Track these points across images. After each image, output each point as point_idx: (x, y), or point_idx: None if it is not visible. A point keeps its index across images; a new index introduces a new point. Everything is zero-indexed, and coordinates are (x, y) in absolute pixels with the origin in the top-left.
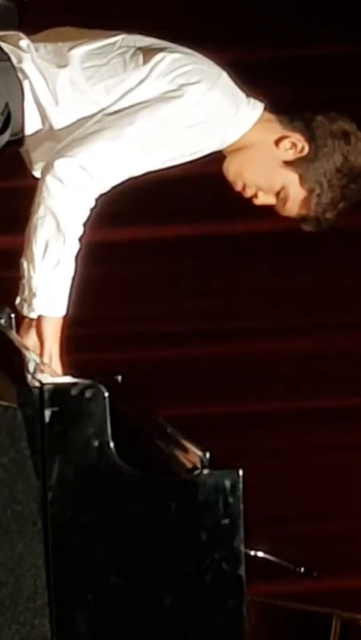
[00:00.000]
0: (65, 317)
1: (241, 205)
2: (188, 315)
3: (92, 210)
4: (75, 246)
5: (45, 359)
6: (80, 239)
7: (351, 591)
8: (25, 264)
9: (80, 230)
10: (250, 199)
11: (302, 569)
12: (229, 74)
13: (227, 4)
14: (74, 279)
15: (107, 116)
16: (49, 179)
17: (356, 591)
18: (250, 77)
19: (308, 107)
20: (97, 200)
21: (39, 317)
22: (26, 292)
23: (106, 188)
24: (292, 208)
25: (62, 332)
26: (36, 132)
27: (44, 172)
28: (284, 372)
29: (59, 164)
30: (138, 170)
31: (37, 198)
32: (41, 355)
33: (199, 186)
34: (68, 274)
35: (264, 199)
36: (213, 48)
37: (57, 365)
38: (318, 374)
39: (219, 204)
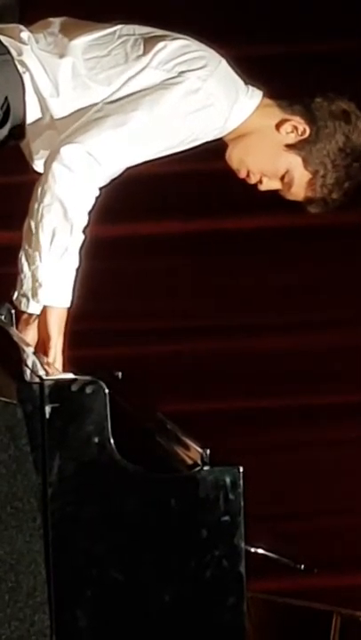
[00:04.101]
0: (69, 310)
1: (240, 202)
2: (188, 311)
3: (96, 198)
4: (80, 236)
5: (51, 352)
6: (84, 230)
7: (352, 588)
8: (25, 257)
9: (85, 220)
10: (255, 185)
11: (303, 566)
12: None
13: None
14: (78, 271)
15: (108, 104)
16: (55, 165)
17: (357, 588)
18: (250, 72)
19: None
20: (101, 189)
21: (44, 309)
22: (26, 285)
23: (111, 174)
24: (298, 191)
25: (66, 326)
26: (37, 123)
27: (50, 159)
28: (284, 368)
29: (65, 151)
30: (141, 156)
31: (43, 186)
32: (47, 348)
33: (198, 182)
34: (73, 264)
35: (269, 184)
36: (214, 43)
37: (59, 361)
38: (318, 371)
39: (218, 201)
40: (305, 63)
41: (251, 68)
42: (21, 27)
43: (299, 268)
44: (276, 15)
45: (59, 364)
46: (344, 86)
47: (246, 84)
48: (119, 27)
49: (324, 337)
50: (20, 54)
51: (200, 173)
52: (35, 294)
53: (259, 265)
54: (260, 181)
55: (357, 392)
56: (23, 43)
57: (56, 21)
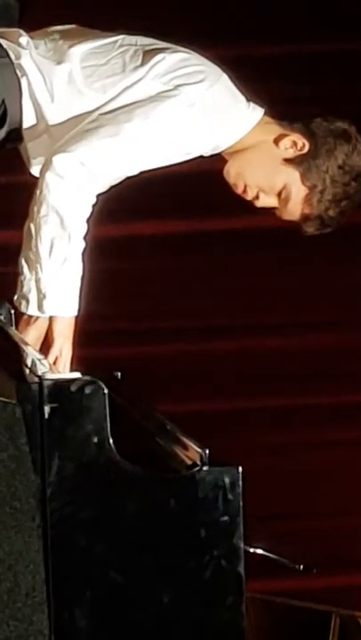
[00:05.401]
0: (77, 317)
1: (241, 202)
2: (188, 311)
3: (93, 206)
4: (80, 244)
5: (51, 357)
6: (85, 237)
7: (351, 588)
8: (25, 259)
9: (84, 227)
10: (251, 201)
11: (302, 566)
12: (229, 71)
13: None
14: (83, 278)
15: (103, 115)
16: (49, 175)
17: (356, 588)
18: (249, 74)
19: (307, 104)
20: (98, 197)
21: (51, 318)
22: (26, 287)
23: (104, 184)
24: (295, 208)
25: (75, 333)
26: (33, 128)
27: (43, 169)
28: (284, 368)
29: (57, 160)
30: (134, 167)
31: (38, 197)
32: (52, 355)
33: (200, 183)
34: (76, 272)
35: (266, 200)
36: (213, 45)
37: (67, 367)
38: (318, 371)
39: (218, 201)
40: (305, 63)
41: (248, 69)
42: (21, 31)
43: (299, 269)
44: (276, 15)
45: (66, 370)
46: (343, 87)
47: (248, 100)
48: (121, 37)
49: (324, 337)
50: (18, 58)
51: (201, 174)
52: (40, 306)
53: (259, 265)
54: (257, 197)
55: (357, 392)
56: (22, 47)
57: (59, 29)
